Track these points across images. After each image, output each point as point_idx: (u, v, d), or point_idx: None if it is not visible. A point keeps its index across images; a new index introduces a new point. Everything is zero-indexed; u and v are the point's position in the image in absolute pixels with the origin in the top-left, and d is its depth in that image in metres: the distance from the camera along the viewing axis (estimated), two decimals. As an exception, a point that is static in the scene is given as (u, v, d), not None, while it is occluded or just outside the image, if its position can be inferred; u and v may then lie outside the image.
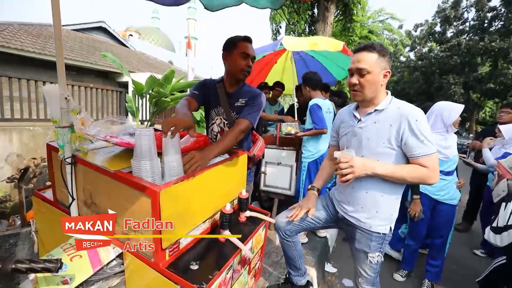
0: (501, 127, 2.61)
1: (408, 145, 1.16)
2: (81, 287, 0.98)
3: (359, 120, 1.29)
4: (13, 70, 4.80)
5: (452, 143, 2.09)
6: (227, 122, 1.60)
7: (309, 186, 1.55)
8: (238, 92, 1.58)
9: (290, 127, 3.02)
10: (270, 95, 3.97)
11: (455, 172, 2.18)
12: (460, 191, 2.20)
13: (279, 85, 3.89)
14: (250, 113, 1.47)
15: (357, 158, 1.17)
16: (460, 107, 2.03)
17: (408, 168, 1.18)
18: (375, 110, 1.24)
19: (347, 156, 1.16)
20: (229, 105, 1.57)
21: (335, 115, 2.78)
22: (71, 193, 1.14)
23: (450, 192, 2.14)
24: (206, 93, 1.62)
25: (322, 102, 2.59)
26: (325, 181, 1.57)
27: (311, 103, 2.59)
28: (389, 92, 1.28)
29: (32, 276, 0.92)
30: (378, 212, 1.27)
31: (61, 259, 0.80)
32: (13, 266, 0.68)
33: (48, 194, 1.40)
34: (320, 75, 3.76)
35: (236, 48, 1.50)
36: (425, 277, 2.31)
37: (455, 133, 2.13)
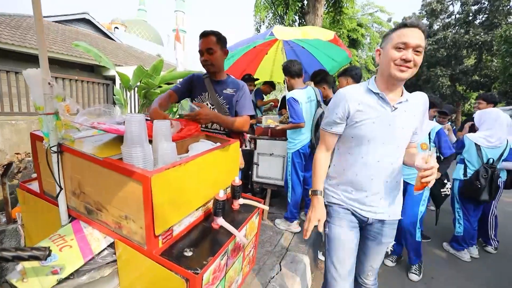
0: (475, 114, 2.77)
1: (417, 132, 1.25)
2: (71, 277, 0.96)
3: (395, 108, 1.15)
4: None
5: None
6: (213, 106, 1.71)
7: (310, 192, 1.27)
8: (224, 81, 1.76)
9: (270, 120, 3.01)
10: (255, 87, 4.25)
11: None
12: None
13: (269, 85, 4.37)
14: (246, 105, 1.72)
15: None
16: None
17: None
18: (406, 100, 1.16)
19: (433, 160, 1.01)
20: (215, 91, 1.72)
21: (318, 102, 2.62)
22: (58, 183, 1.10)
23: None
24: (191, 86, 1.78)
25: (300, 94, 2.49)
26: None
27: (287, 96, 2.51)
28: None
29: (19, 267, 0.89)
30: (396, 198, 1.27)
31: (49, 247, 0.77)
32: (-2, 254, 0.65)
33: (34, 186, 1.35)
34: (310, 65, 3.77)
35: None
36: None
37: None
